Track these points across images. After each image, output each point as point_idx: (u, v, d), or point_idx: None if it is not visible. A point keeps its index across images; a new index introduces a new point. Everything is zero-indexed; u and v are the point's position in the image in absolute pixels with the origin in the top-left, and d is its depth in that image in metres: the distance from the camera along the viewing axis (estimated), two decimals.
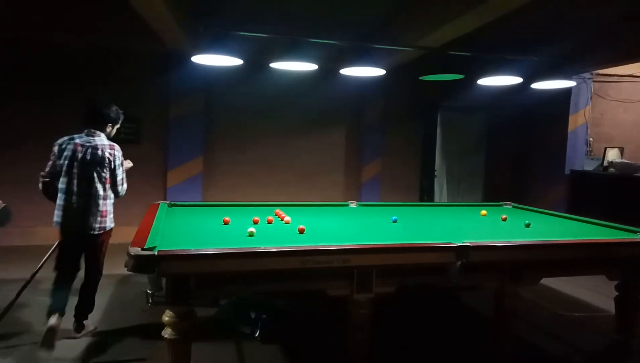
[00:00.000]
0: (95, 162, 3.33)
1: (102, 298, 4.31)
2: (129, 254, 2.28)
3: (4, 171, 6.19)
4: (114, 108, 3.54)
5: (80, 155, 3.32)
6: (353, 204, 4.66)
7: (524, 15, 4.74)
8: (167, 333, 2.44)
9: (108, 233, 3.51)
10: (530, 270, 2.99)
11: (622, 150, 7.19)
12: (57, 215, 3.35)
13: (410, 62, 6.27)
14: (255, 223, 3.38)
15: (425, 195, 7.73)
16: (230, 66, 4.39)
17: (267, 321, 3.53)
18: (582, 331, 3.99)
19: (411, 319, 3.97)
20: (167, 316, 2.43)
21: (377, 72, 4.58)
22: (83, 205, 3.31)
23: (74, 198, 3.31)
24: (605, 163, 7.07)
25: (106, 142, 3.43)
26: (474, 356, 3.40)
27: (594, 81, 7.41)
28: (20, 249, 5.92)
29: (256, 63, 5.87)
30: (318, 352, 3.39)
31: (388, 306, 2.93)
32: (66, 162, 3.32)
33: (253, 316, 3.66)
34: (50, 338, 3.14)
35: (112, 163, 3.39)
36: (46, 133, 6.31)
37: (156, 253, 2.26)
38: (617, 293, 3.45)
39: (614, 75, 7.57)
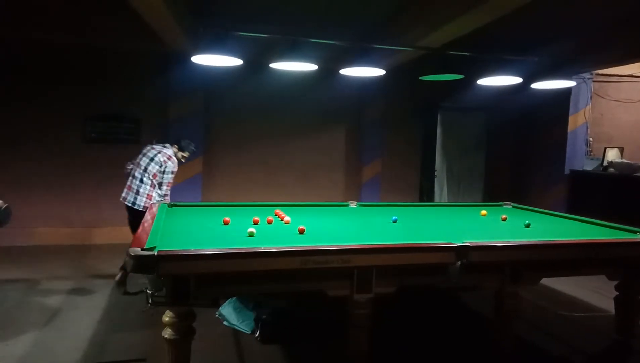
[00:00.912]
0: (153, 160, 4.56)
1: (102, 298, 4.32)
2: (128, 254, 2.28)
3: (4, 171, 6.19)
4: (187, 141, 4.85)
5: (147, 153, 4.61)
6: (353, 205, 4.66)
7: (524, 16, 4.73)
8: (167, 333, 2.44)
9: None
10: (530, 270, 2.99)
11: (622, 150, 7.19)
12: (123, 191, 4.60)
13: (410, 62, 6.27)
14: (255, 223, 3.38)
15: (425, 195, 7.72)
16: (230, 66, 4.39)
17: (267, 321, 3.53)
18: (582, 331, 3.99)
19: (411, 319, 3.96)
20: (167, 317, 2.44)
21: (377, 72, 4.59)
22: (137, 187, 4.52)
23: (134, 181, 4.56)
24: (605, 163, 7.06)
25: (169, 153, 4.64)
26: (474, 356, 3.40)
27: (594, 81, 7.40)
28: (20, 249, 5.93)
29: (256, 63, 5.86)
30: (318, 352, 3.39)
31: (388, 306, 2.93)
32: (138, 156, 4.66)
33: (253, 316, 3.66)
34: (121, 285, 4.50)
35: (164, 167, 4.55)
36: (46, 133, 6.38)
37: (156, 254, 2.26)
38: (617, 293, 3.46)
39: (614, 75, 7.56)
